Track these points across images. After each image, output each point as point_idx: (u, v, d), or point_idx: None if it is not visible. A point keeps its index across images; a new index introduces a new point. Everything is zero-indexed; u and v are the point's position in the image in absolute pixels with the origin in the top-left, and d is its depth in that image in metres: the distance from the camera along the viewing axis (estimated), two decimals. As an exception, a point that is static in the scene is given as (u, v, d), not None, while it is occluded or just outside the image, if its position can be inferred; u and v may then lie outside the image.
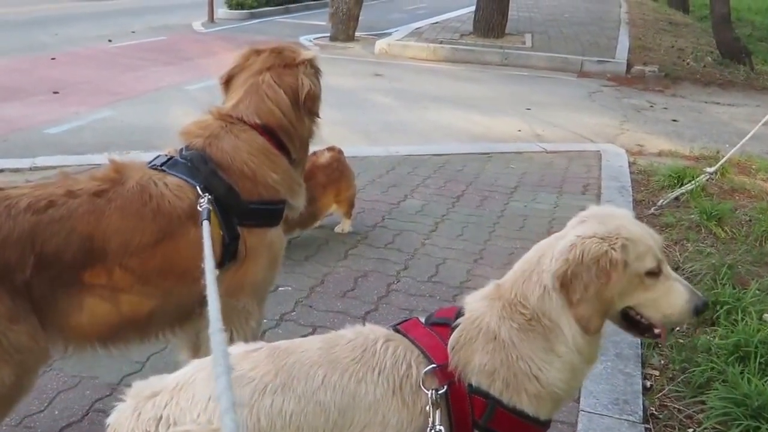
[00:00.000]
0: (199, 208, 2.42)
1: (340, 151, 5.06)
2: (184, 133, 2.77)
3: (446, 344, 1.95)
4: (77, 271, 2.34)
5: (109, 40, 14.01)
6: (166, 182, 2.52)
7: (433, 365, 1.90)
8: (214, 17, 18.32)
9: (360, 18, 16.23)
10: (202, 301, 2.53)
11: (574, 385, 2.06)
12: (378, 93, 10.73)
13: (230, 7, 19.62)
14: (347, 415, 1.82)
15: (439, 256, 4.79)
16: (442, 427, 1.84)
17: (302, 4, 22.24)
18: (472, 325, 1.97)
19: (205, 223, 2.27)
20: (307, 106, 2.85)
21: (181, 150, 2.70)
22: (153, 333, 2.64)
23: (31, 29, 14.97)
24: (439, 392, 1.87)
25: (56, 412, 3.02)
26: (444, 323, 2.02)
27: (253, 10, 19.83)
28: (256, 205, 2.65)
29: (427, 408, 1.85)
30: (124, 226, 2.40)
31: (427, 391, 1.87)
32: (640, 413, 3.20)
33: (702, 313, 2.04)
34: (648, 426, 3.16)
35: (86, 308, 2.38)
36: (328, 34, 16.11)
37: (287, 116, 2.79)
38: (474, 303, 2.04)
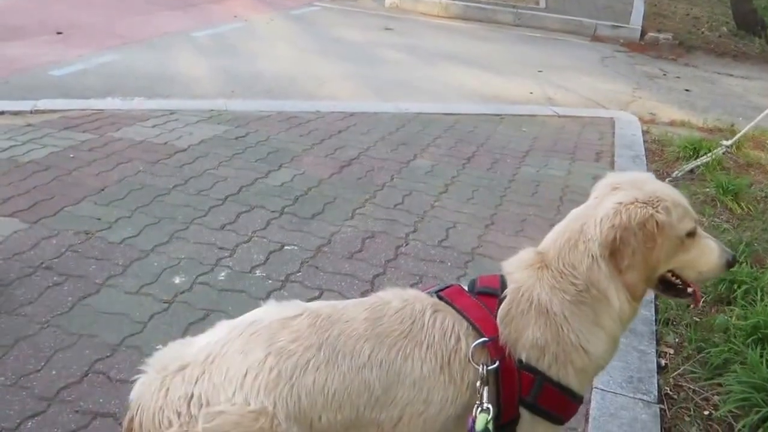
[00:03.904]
0: None
1: None
2: None
3: (494, 316, 1.84)
4: None
5: (115, -19, 13.67)
6: None
7: (484, 339, 1.80)
8: (222, -38, 17.88)
9: (370, -31, 15.87)
10: None
11: (612, 357, 2.00)
12: (388, 48, 10.49)
13: (238, -48, 19.16)
14: (390, 393, 1.73)
15: (449, 219, 4.66)
16: (490, 405, 1.75)
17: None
18: (521, 296, 1.87)
19: None
20: None
21: None
22: None
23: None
24: (490, 368, 1.78)
25: (54, 372, 2.90)
26: (491, 293, 1.90)
27: (261, -43, 19.36)
28: None
29: (477, 384, 1.76)
30: None
31: (477, 366, 1.77)
32: (655, 393, 3.10)
33: (732, 266, 2.05)
34: (663, 407, 3.07)
35: None
36: (338, -15, 15.77)
37: None
38: (518, 273, 1.92)
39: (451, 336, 1.80)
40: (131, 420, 1.68)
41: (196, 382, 1.63)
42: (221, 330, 1.76)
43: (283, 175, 5.12)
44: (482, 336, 1.80)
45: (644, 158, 6.33)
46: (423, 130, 6.54)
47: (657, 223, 1.82)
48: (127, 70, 7.82)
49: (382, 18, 13.03)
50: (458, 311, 1.84)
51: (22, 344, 3.04)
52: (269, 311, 1.80)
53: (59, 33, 9.14)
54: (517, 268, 1.94)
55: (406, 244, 4.27)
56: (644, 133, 7.22)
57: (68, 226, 4.08)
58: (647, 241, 1.83)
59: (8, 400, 2.72)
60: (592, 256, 1.86)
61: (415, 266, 4.02)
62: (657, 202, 1.85)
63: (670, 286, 1.99)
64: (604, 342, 1.89)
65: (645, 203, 1.84)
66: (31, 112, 5.91)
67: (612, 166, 6.07)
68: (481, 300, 1.89)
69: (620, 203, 1.86)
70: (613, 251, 1.84)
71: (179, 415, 1.61)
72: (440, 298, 1.89)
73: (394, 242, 4.28)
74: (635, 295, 1.88)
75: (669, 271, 1.95)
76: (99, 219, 4.20)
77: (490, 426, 1.72)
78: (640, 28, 13.76)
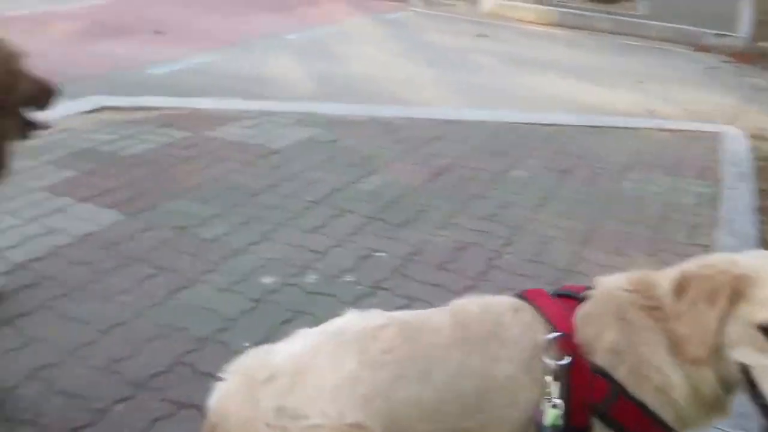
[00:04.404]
0: None
1: None
2: None
3: (573, 315, 1.77)
4: None
5: (214, -18, 14.01)
6: None
7: (557, 334, 1.72)
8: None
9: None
10: None
11: (694, 414, 1.74)
12: (483, 54, 10.34)
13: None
14: (483, 400, 1.66)
15: (545, 234, 4.49)
16: (561, 401, 1.65)
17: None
18: (602, 299, 1.80)
19: None
20: None
21: None
22: None
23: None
24: (561, 363, 1.68)
25: (144, 361, 2.93)
26: (571, 296, 1.85)
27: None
28: None
29: (546, 378, 1.67)
30: None
31: (548, 361, 1.68)
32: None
33: None
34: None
35: None
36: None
37: None
38: (608, 281, 1.86)
39: (529, 333, 1.74)
40: (214, 428, 1.63)
41: (286, 394, 1.57)
42: (305, 339, 1.69)
43: (374, 180, 5.07)
44: (555, 331, 1.74)
45: (752, 176, 6.00)
46: (519, 140, 6.38)
47: (720, 284, 1.64)
48: (223, 70, 7.97)
49: (476, 24, 12.89)
50: (536, 309, 1.78)
51: (115, 330, 3.11)
52: (353, 321, 1.74)
53: (158, 32, 9.41)
54: (612, 280, 1.87)
55: (499, 258, 4.14)
56: (752, 149, 6.85)
57: (164, 221, 4.14)
58: (706, 295, 1.66)
59: (100, 383, 2.80)
60: (665, 286, 1.76)
61: (507, 281, 3.87)
62: (743, 270, 1.65)
63: (759, 396, 1.63)
64: (681, 377, 1.69)
65: (731, 264, 1.69)
66: (131, 109, 6.06)
67: (717, 183, 5.77)
68: (562, 301, 1.84)
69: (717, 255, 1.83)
70: (677, 290, 1.71)
71: (269, 426, 1.54)
72: (520, 297, 1.85)
73: (487, 254, 4.15)
74: (681, 347, 1.67)
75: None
76: (193, 215, 4.24)
77: (559, 422, 1.64)
78: (748, 37, 13.16)
